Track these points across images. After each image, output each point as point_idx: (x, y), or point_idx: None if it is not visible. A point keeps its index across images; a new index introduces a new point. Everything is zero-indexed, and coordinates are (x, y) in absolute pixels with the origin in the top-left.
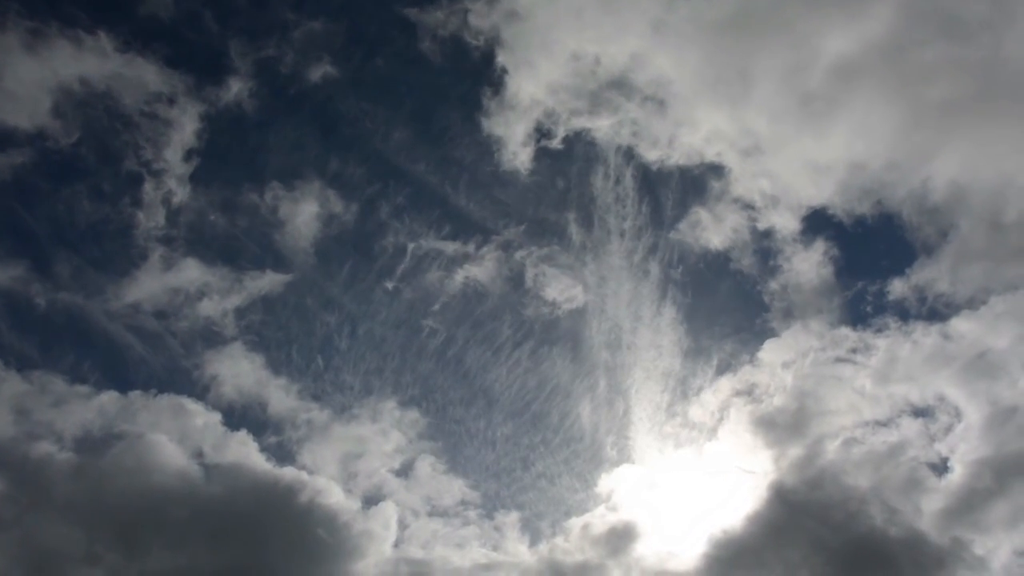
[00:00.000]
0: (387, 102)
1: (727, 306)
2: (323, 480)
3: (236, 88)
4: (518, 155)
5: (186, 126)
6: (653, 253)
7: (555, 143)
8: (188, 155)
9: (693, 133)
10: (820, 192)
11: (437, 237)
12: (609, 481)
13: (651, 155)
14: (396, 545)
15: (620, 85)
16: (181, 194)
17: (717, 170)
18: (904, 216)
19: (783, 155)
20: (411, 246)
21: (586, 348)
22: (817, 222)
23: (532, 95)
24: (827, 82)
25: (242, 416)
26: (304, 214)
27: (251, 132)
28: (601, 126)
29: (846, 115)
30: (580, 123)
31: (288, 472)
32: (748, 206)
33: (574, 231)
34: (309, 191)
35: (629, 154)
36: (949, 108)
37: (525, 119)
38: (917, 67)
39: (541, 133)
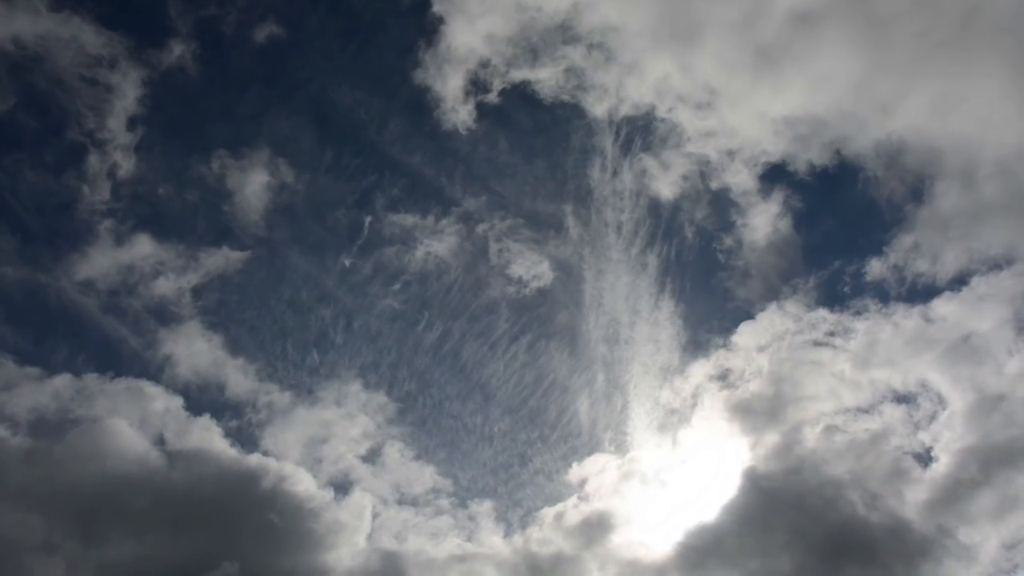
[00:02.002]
0: (337, 61)
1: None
2: (290, 466)
3: (178, 51)
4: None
5: (128, 92)
6: (651, 247)
7: (492, 97)
8: (132, 123)
9: (641, 84)
10: (778, 146)
11: (396, 210)
12: (581, 471)
13: (598, 108)
14: (370, 536)
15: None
16: (127, 166)
17: (667, 123)
18: (869, 171)
19: (738, 108)
20: (368, 219)
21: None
22: (775, 178)
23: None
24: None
25: (204, 400)
26: (254, 184)
27: (196, 98)
28: (542, 77)
29: (804, 66)
30: (520, 75)
31: (254, 459)
32: (702, 160)
33: (571, 224)
34: (258, 159)
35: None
36: (916, 56)
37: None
38: (881, 13)
39: (477, 87)
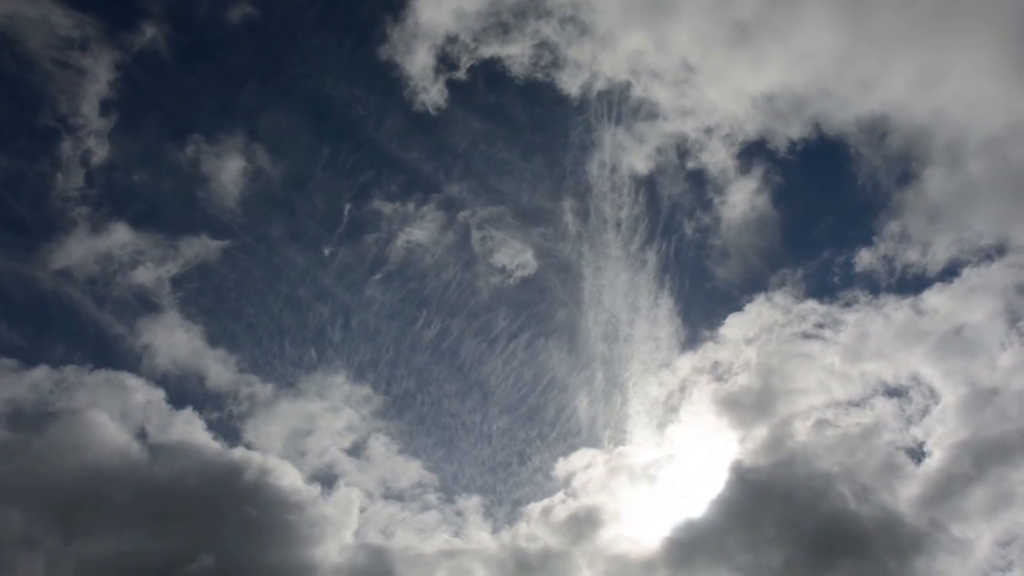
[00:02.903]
0: (311, 41)
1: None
2: (275, 460)
3: (150, 33)
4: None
5: (100, 76)
6: (650, 243)
7: (461, 74)
8: (105, 108)
9: (616, 59)
10: (757, 124)
11: (375, 197)
12: (568, 465)
13: (571, 84)
14: (357, 531)
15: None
16: (101, 152)
17: (642, 100)
18: (852, 149)
19: (715, 85)
20: (347, 206)
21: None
22: (753, 155)
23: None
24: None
25: (186, 392)
26: (231, 170)
27: (170, 82)
28: (513, 53)
29: (783, 42)
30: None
31: (238, 453)
32: (678, 137)
33: (570, 220)
34: (234, 145)
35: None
36: (898, 29)
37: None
38: None
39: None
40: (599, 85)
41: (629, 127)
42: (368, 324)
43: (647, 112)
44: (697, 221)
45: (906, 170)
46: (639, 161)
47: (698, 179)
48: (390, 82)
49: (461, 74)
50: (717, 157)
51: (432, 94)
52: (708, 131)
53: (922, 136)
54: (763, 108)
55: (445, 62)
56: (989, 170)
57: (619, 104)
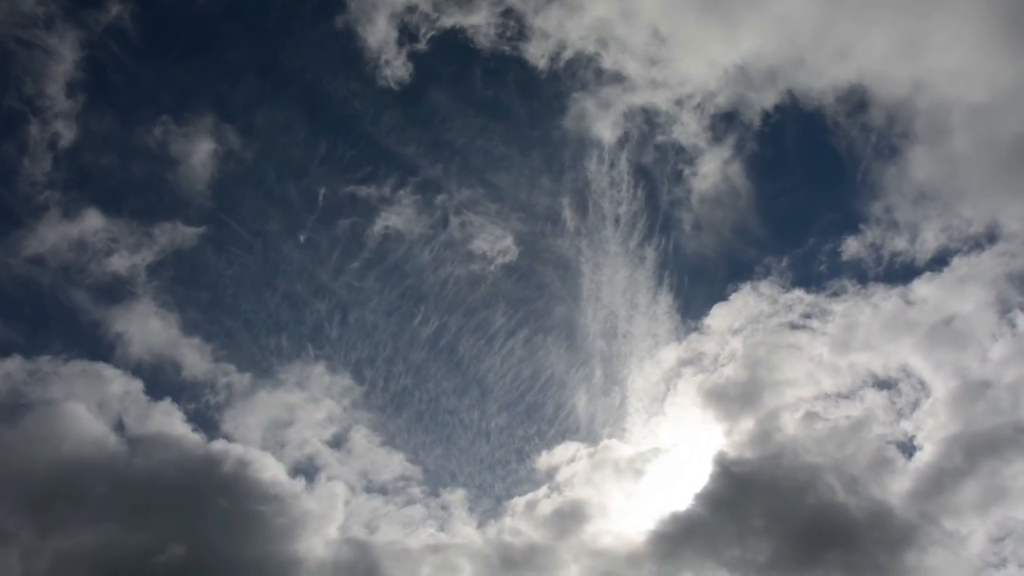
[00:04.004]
0: (274, 21)
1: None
2: (256, 452)
3: (115, 10)
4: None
5: (66, 55)
6: (649, 239)
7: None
8: (72, 90)
9: (582, 27)
10: (730, 95)
11: (351, 181)
12: (551, 459)
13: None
14: (342, 526)
15: None
16: (69, 135)
17: (610, 71)
18: (828, 120)
19: (685, 54)
20: (322, 191)
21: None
22: (725, 126)
23: None
24: None
25: (164, 383)
26: (202, 152)
27: (137, 61)
28: (476, 23)
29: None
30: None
31: (219, 445)
32: (648, 110)
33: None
34: (204, 126)
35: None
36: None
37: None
38: None
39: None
40: (567, 55)
41: (597, 96)
42: (347, 313)
43: (614, 80)
44: (670, 194)
45: (888, 145)
46: (606, 130)
47: (669, 150)
48: (351, 54)
49: (422, 45)
50: (688, 128)
51: (396, 68)
52: (679, 102)
53: (903, 108)
54: (737, 79)
55: (405, 33)
56: (975, 145)
57: (587, 73)
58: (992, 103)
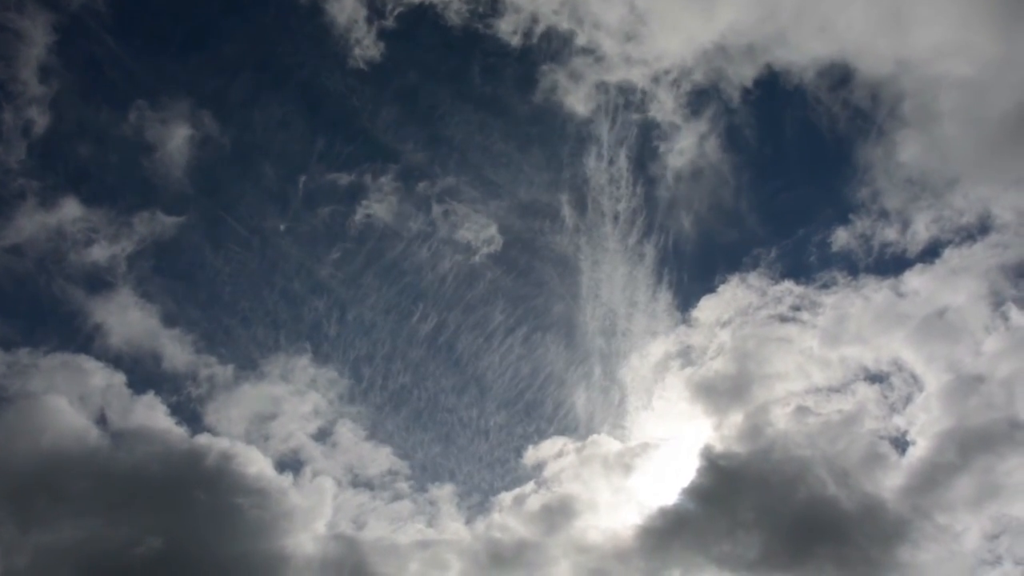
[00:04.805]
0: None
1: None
2: (242, 446)
3: None
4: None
5: (38, 39)
6: (648, 236)
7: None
8: (44, 74)
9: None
10: (708, 72)
11: (330, 168)
12: (538, 454)
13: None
14: (330, 521)
15: None
16: (43, 122)
17: (584, 49)
18: (809, 97)
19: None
20: (302, 178)
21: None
22: (703, 104)
23: None
24: None
25: (147, 377)
26: (178, 139)
27: (111, 44)
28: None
29: None
30: None
31: (203, 439)
32: (625, 89)
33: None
34: (180, 111)
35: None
36: None
37: None
38: None
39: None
40: (540, 29)
41: (571, 70)
42: (330, 303)
43: (590, 56)
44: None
45: (875, 125)
46: (579, 104)
47: (647, 129)
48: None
49: (390, 22)
50: (666, 107)
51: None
52: (656, 79)
53: (888, 85)
54: (715, 56)
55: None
56: (962, 124)
57: (562, 48)
58: (978, 78)
